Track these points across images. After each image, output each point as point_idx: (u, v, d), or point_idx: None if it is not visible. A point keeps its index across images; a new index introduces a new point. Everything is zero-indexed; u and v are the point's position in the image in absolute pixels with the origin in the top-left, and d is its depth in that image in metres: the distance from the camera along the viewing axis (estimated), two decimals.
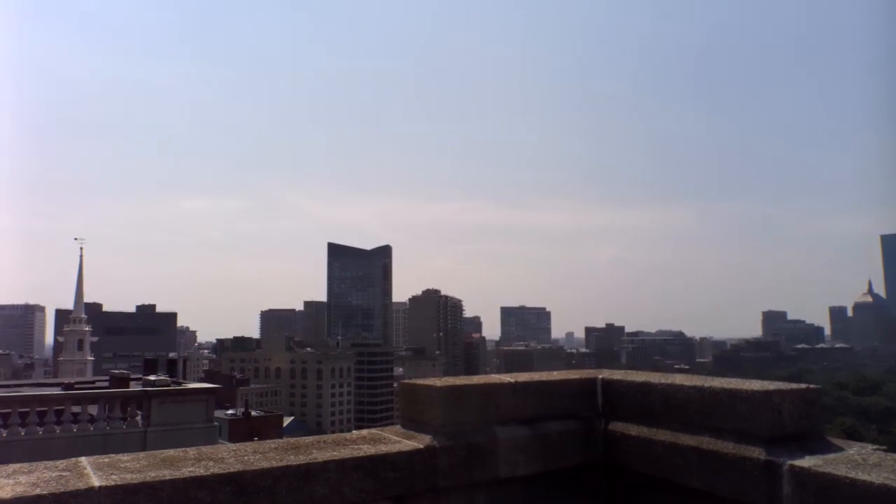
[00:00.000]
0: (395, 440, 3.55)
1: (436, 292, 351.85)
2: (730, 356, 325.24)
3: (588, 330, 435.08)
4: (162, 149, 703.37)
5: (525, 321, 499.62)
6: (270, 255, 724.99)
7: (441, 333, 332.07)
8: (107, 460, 2.75)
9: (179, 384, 23.56)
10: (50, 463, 2.63)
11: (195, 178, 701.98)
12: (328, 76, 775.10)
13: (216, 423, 21.32)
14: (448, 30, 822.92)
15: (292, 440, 3.40)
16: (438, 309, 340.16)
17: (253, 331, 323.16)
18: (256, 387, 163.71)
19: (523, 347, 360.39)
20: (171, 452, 2.93)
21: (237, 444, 3.27)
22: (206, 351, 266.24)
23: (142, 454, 2.88)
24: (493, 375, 4.18)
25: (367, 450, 3.30)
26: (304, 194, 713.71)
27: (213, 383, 25.93)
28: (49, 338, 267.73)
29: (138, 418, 17.37)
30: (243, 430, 66.67)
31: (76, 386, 27.52)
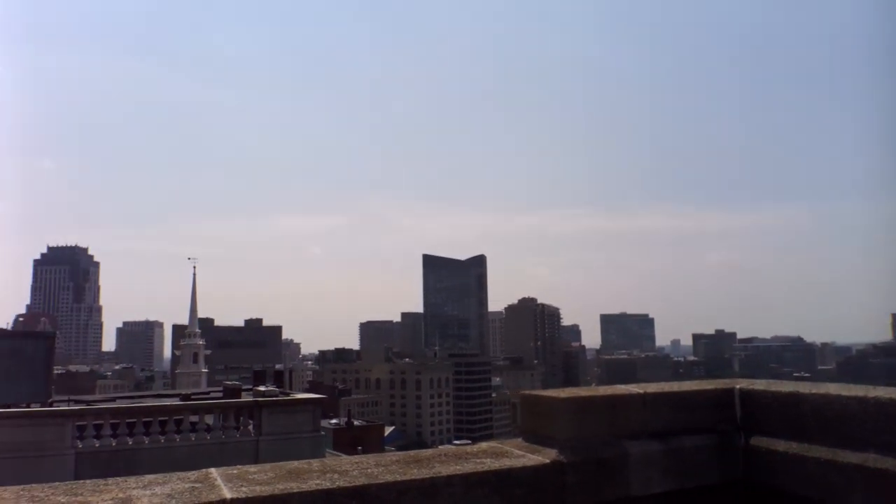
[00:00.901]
0: (519, 454, 3.39)
1: (532, 301, 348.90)
2: (856, 362, 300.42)
3: (696, 337, 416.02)
4: (260, 171, 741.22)
5: (626, 329, 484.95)
6: (368, 268, 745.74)
7: (539, 342, 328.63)
8: (235, 472, 2.78)
9: (287, 395, 24.51)
10: (182, 474, 2.68)
11: (294, 198, 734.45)
12: (417, 90, 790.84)
13: (322, 433, 21.96)
14: (533, 32, 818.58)
15: (412, 453, 3.33)
16: (535, 318, 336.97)
17: (353, 342, 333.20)
18: (357, 397, 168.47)
19: (626, 356, 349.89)
20: (296, 464, 2.92)
21: (359, 457, 3.23)
22: (309, 362, 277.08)
23: (268, 466, 2.89)
24: (619, 386, 3.93)
25: (491, 464, 3.16)
26: (399, 208, 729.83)
27: (318, 394, 26.78)
28: (167, 351, 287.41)
29: (250, 427, 18.15)
30: (347, 440, 68.56)
31: (193, 397, 29.29)
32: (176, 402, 24.89)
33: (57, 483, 2.39)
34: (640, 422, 3.65)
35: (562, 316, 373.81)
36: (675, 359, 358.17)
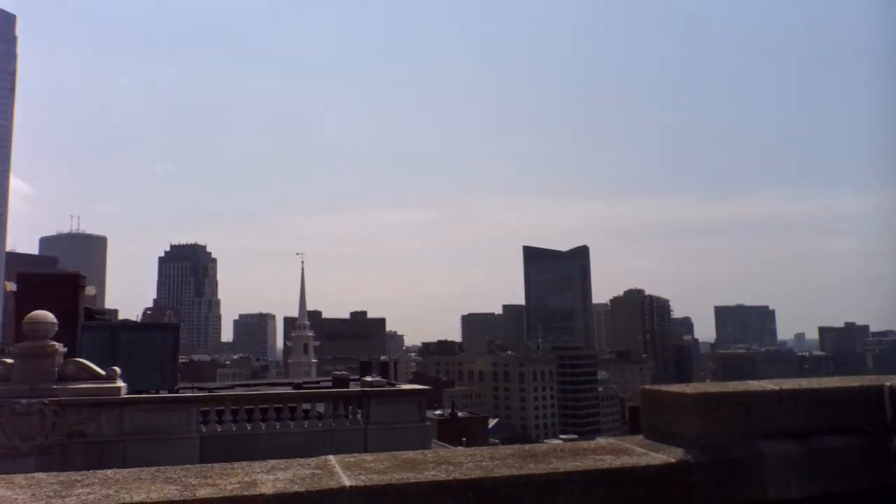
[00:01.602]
0: (641, 452, 3.24)
1: (639, 292, 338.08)
2: None
3: (822, 330, 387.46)
4: (363, 167, 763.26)
5: (744, 321, 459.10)
6: (469, 261, 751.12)
7: (647, 336, 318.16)
8: (353, 460, 2.83)
9: (393, 385, 25.15)
10: (302, 460, 2.76)
11: (395, 192, 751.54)
12: (512, 79, 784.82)
13: (428, 423, 22.34)
14: (623, 14, 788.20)
15: (527, 447, 3.26)
16: (643, 310, 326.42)
17: (455, 335, 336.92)
18: (461, 389, 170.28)
19: (743, 350, 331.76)
20: (410, 454, 2.94)
21: (472, 449, 3.21)
22: (412, 354, 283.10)
23: (383, 455, 2.92)
24: (751, 382, 3.67)
25: (612, 462, 3.03)
26: (498, 200, 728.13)
27: (422, 385, 27.26)
28: (280, 342, 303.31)
29: (359, 416, 18.75)
30: (451, 431, 69.51)
31: (304, 386, 30.69)
32: (289, 390, 26.17)
33: (188, 466, 2.53)
34: (776, 420, 3.39)
35: (672, 308, 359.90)
36: (800, 354, 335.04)
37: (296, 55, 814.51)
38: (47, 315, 16.29)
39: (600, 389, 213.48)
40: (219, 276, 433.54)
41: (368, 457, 2.90)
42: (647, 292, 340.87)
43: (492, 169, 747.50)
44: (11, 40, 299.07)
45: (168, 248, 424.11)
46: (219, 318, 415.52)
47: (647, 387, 3.62)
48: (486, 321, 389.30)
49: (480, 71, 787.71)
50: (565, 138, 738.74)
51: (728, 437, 3.26)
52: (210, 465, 2.57)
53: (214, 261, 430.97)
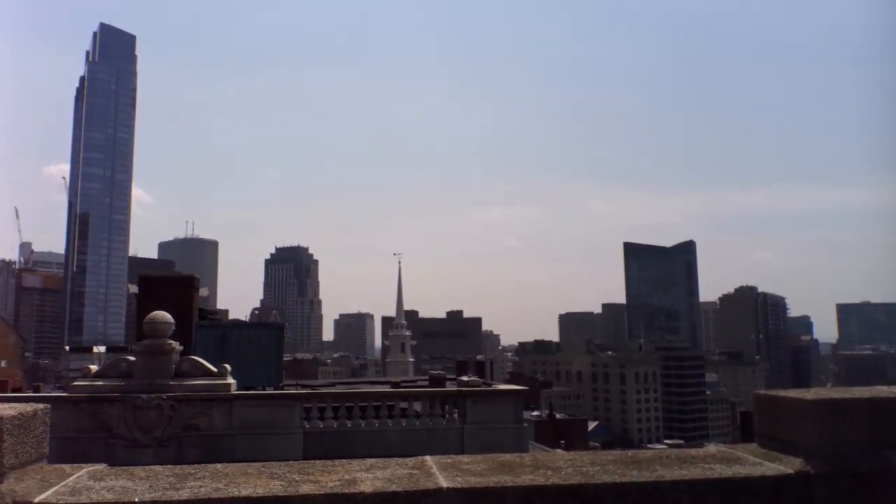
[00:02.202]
0: (754, 461, 3.06)
1: (751, 289, 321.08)
2: None
3: None
4: (458, 166, 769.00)
5: (871, 320, 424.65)
6: (566, 259, 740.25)
7: (760, 335, 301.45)
8: (449, 461, 2.84)
9: (489, 385, 25.16)
10: (400, 460, 2.81)
11: (490, 190, 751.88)
12: (608, 68, 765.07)
13: (525, 424, 22.19)
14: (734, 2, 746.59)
15: (630, 453, 3.16)
16: (756, 308, 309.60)
17: (552, 334, 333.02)
18: (559, 389, 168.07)
19: (870, 352, 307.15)
20: (507, 457, 2.92)
21: (572, 453, 3.15)
22: (508, 353, 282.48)
23: (480, 457, 2.92)
24: (880, 388, 3.38)
25: (722, 471, 2.88)
26: (596, 195, 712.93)
27: (518, 385, 27.10)
28: (378, 341, 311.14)
29: (455, 416, 18.89)
30: (549, 433, 68.66)
31: (402, 384, 31.32)
32: (387, 388, 26.77)
33: (292, 462, 2.64)
34: None
35: (788, 305, 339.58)
36: None
37: (392, 58, 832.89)
38: (165, 315, 17.52)
39: (708, 393, 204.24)
40: (320, 277, 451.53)
41: (465, 458, 2.90)
42: (760, 289, 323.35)
43: (590, 162, 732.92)
44: (132, 59, 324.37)
45: (273, 251, 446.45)
46: (320, 317, 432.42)
47: (762, 392, 3.40)
48: (585, 320, 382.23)
49: (574, 62, 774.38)
50: (667, 127, 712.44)
51: (853, 448, 3.01)
52: (312, 461, 2.67)
53: (316, 262, 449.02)
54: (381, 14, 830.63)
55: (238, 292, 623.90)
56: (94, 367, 18.00)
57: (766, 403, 3.35)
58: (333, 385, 34.12)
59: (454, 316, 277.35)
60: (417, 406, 19.38)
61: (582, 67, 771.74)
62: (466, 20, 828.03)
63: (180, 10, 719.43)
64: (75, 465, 2.55)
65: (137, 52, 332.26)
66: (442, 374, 29.86)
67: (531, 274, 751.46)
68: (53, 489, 2.24)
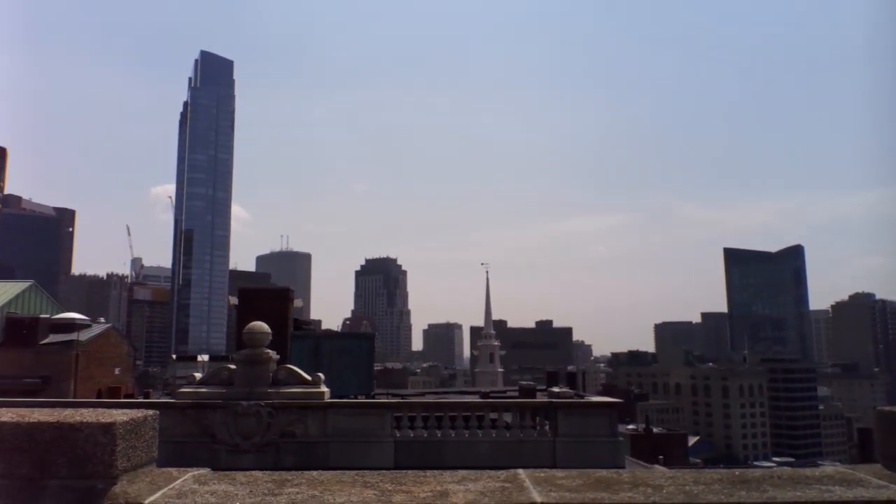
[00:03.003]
0: (878, 484, 2.82)
1: (868, 296, 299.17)
2: None
3: None
4: (544, 174, 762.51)
5: None
6: (660, 266, 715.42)
7: (879, 346, 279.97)
8: (543, 475, 2.79)
9: (581, 396, 24.65)
10: (492, 473, 2.78)
11: (578, 198, 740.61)
12: (704, 68, 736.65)
13: (620, 438, 21.56)
14: None
15: (737, 472, 2.98)
16: (873, 316, 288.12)
17: (647, 344, 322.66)
18: (655, 402, 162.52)
19: None
20: (604, 473, 2.83)
21: (674, 471, 3.01)
22: (601, 365, 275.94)
23: (574, 472, 2.85)
24: None
25: (842, 494, 2.67)
26: (693, 199, 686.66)
27: (612, 397, 26.38)
28: (466, 351, 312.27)
29: (546, 428, 18.60)
30: (645, 448, 66.40)
31: (491, 395, 31.20)
32: (476, 399, 26.74)
33: (384, 471, 2.67)
34: None
35: None
36: None
37: (477, 69, 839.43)
38: (262, 325, 18.30)
39: (821, 408, 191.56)
40: (409, 288, 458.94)
41: (559, 472, 2.84)
42: (877, 296, 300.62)
43: (679, 166, 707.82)
44: (230, 84, 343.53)
45: (363, 263, 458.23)
46: (409, 327, 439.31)
47: (885, 408, 3.14)
48: (683, 330, 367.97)
49: (666, 64, 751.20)
50: (767, 125, 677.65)
51: None
52: (404, 471, 2.69)
53: (404, 273, 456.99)
54: (466, 26, 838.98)
55: (330, 303, 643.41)
56: (198, 375, 19.02)
57: (890, 420, 3.08)
58: (423, 395, 34.47)
59: (543, 326, 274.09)
60: (507, 417, 19.23)
61: (674, 66, 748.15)
62: (554, 31, 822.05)
63: (271, 33, 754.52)
64: (181, 468, 2.70)
65: (235, 76, 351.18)
66: (532, 384, 29.53)
67: (623, 283, 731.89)
68: (161, 492, 2.38)
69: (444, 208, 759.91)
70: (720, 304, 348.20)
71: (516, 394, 30.25)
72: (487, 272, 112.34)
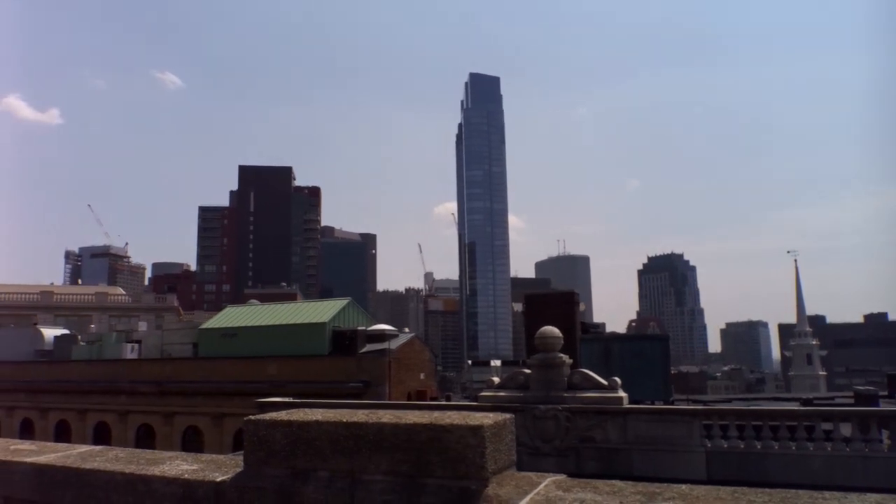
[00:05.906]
0: None
1: None
2: None
3: None
4: (833, 140, 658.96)
5: None
6: None
7: None
8: None
9: None
10: None
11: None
12: None
13: None
14: None
15: None
16: None
17: None
18: None
19: None
20: None
21: None
22: None
23: None
24: None
25: None
26: None
27: None
28: (775, 352, 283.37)
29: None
30: None
31: (814, 402, 27.65)
32: (795, 406, 23.94)
33: (770, 490, 2.33)
34: None
35: None
36: None
37: (750, 44, 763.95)
38: (554, 330, 18.65)
39: None
40: (699, 284, 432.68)
41: None
42: None
43: None
44: (498, 99, 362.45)
45: (645, 261, 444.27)
46: (703, 327, 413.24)
47: None
48: None
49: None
50: None
51: None
52: (795, 491, 2.33)
53: (693, 268, 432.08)
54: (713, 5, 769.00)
55: (612, 305, 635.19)
56: (495, 379, 20.07)
57: None
58: (729, 401, 31.92)
59: (875, 319, 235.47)
60: (843, 428, 16.85)
61: None
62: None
63: (526, 45, 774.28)
64: (539, 473, 2.73)
65: (502, 91, 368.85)
66: (872, 390, 25.45)
67: None
68: (529, 496, 2.41)
69: (728, 193, 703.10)
70: None
71: (849, 401, 26.39)
72: (796, 260, 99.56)
